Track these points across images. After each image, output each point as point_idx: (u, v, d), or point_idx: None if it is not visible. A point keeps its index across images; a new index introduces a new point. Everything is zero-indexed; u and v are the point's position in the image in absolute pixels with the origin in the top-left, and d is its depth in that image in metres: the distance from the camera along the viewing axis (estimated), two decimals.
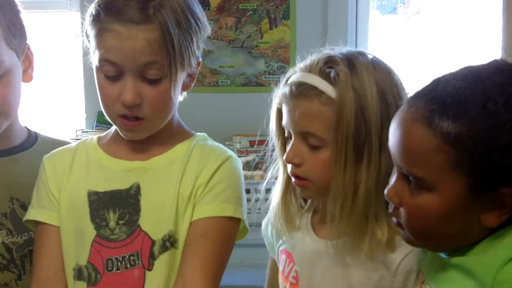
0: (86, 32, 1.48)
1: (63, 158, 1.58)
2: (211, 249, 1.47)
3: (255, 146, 2.88)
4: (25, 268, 1.63)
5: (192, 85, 1.56)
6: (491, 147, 1.13)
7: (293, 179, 1.49)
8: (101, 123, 3.11)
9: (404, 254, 1.43)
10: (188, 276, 1.45)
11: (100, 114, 3.12)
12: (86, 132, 3.09)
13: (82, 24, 1.50)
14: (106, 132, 1.62)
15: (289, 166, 1.48)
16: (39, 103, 3.41)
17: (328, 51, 1.47)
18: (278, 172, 1.59)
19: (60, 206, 1.53)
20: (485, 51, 3.02)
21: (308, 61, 1.47)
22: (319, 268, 1.51)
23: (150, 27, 1.40)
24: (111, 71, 1.43)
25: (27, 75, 1.67)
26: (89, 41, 1.48)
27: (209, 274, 1.45)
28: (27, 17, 1.68)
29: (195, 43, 1.48)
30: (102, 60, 1.43)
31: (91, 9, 1.46)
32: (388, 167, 1.38)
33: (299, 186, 1.49)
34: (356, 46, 3.06)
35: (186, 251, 1.47)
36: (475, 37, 3.13)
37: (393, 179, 1.25)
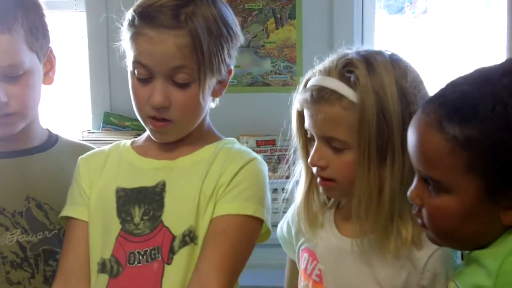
0: (122, 37, 1.54)
1: (97, 158, 1.64)
2: (228, 246, 1.49)
3: (262, 146, 2.88)
4: (38, 267, 1.66)
5: (223, 92, 1.60)
6: (502, 148, 1.15)
7: (318, 180, 1.50)
8: (107, 124, 3.11)
9: (431, 252, 1.45)
10: (203, 270, 1.47)
11: (106, 114, 3.12)
12: (93, 133, 3.10)
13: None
14: (141, 136, 1.67)
15: (314, 169, 1.50)
16: (45, 103, 3.40)
17: (346, 51, 1.48)
18: (290, 171, 1.60)
19: (90, 201, 1.59)
20: (492, 51, 3.02)
21: (326, 63, 1.48)
22: (344, 265, 1.52)
23: (180, 32, 1.46)
24: (142, 73, 1.49)
25: (48, 78, 1.72)
26: (124, 44, 1.54)
27: (225, 270, 1.47)
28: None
29: (225, 51, 1.52)
30: (135, 63, 1.50)
31: (128, 14, 1.51)
32: (412, 165, 1.38)
33: (325, 187, 1.50)
34: (362, 46, 3.05)
35: (204, 247, 1.49)
36: (482, 36, 3.12)
37: (414, 181, 1.28)
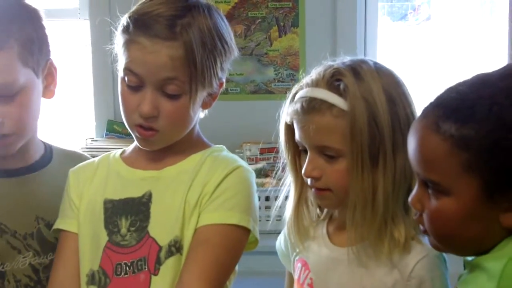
0: (115, 41, 1.53)
1: (87, 170, 1.63)
2: (212, 256, 1.47)
3: (265, 153, 2.88)
4: None
5: (213, 104, 1.59)
6: (500, 148, 1.16)
7: (313, 191, 1.51)
8: (110, 131, 3.11)
9: (418, 259, 1.45)
10: (186, 281, 1.46)
11: (110, 122, 3.12)
12: (96, 140, 3.10)
13: (112, 33, 1.53)
14: (130, 146, 1.66)
15: (309, 180, 1.50)
16: (48, 112, 3.40)
17: (330, 63, 1.50)
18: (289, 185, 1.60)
19: (79, 213, 1.58)
20: (494, 57, 3.02)
21: (313, 75, 1.49)
22: (335, 275, 1.53)
23: (174, 44, 1.45)
24: (133, 81, 1.47)
25: (49, 92, 1.67)
26: (117, 49, 1.53)
27: (208, 281, 1.46)
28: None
29: (218, 65, 1.52)
30: (126, 70, 1.48)
31: (123, 19, 1.50)
32: (403, 167, 1.44)
33: (320, 196, 1.51)
34: (365, 53, 3.06)
35: (188, 257, 1.49)
36: (485, 43, 3.12)
37: (415, 187, 1.28)
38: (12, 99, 1.53)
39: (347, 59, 1.51)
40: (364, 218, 1.45)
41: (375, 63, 1.51)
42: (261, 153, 2.90)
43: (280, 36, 3.07)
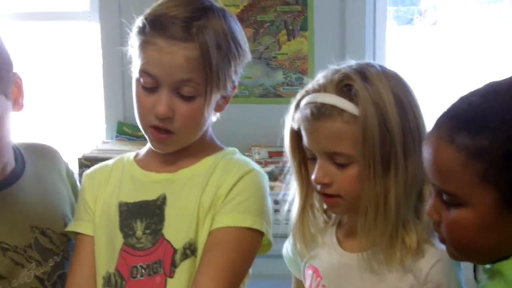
0: (130, 42, 1.53)
1: (101, 173, 1.64)
2: (226, 258, 1.48)
3: (274, 157, 2.89)
4: None
5: (225, 106, 1.60)
6: None
7: (323, 198, 1.50)
8: (121, 133, 3.12)
9: (432, 263, 1.44)
10: (201, 283, 1.47)
11: (120, 124, 3.14)
12: (107, 142, 3.11)
13: (127, 35, 1.53)
14: (143, 148, 1.66)
15: (318, 186, 1.48)
16: (59, 113, 3.43)
17: (336, 67, 1.48)
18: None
19: (95, 216, 1.59)
20: (502, 61, 3.02)
21: (320, 80, 1.47)
22: (348, 281, 1.52)
23: (191, 45, 1.45)
24: (148, 82, 1.48)
25: (17, 105, 1.56)
26: (132, 51, 1.53)
27: (223, 283, 1.47)
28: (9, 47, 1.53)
29: (232, 68, 1.53)
30: (142, 71, 1.49)
31: (139, 21, 1.51)
32: (414, 171, 1.42)
33: (330, 204, 1.50)
34: (374, 57, 3.06)
35: (202, 260, 1.49)
36: (492, 47, 3.12)
37: (431, 197, 1.28)
38: None
39: (352, 62, 1.49)
40: (375, 224, 1.44)
41: (381, 66, 1.49)
42: (270, 157, 2.91)
43: (288, 39, 3.08)
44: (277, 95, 3.08)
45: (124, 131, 3.12)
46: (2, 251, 1.54)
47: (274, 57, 3.08)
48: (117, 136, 3.13)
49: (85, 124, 3.41)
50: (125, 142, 3.06)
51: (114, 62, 3.13)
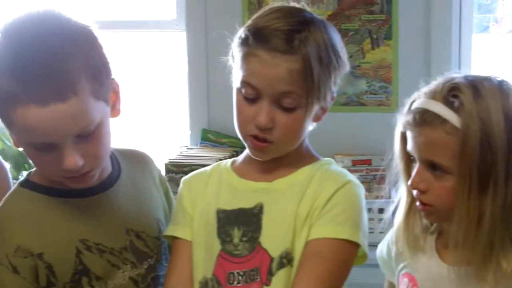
0: (232, 53, 1.55)
1: (199, 179, 1.67)
2: (324, 269, 1.49)
3: (358, 165, 2.89)
4: None
5: (323, 117, 1.60)
6: None
7: (417, 204, 1.49)
8: (205, 140, 3.17)
9: None
10: None
11: (204, 131, 3.19)
12: (191, 149, 3.17)
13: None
14: (240, 155, 1.68)
15: (415, 191, 1.48)
16: (144, 120, 3.50)
17: (452, 75, 1.46)
18: (391, 193, 1.58)
19: (193, 222, 1.62)
20: None
21: (432, 86, 1.46)
22: None
23: (293, 58, 1.46)
24: (250, 93, 1.50)
25: (115, 111, 1.58)
26: (234, 62, 1.55)
27: None
28: (110, 52, 1.52)
29: (332, 79, 1.52)
30: (244, 82, 1.50)
31: (241, 32, 1.53)
32: None
33: (424, 211, 1.49)
34: (459, 66, 3.02)
35: (300, 270, 1.50)
36: None
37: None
38: (88, 138, 1.46)
39: (471, 74, 1.46)
40: (466, 241, 1.41)
41: (501, 82, 1.45)
42: (353, 165, 2.91)
43: (373, 48, 3.08)
44: (360, 103, 3.07)
45: (209, 138, 3.16)
46: (99, 253, 1.57)
47: (358, 66, 3.09)
48: (201, 143, 3.18)
49: (170, 131, 3.48)
50: (209, 149, 3.11)
51: (200, 70, 3.19)
